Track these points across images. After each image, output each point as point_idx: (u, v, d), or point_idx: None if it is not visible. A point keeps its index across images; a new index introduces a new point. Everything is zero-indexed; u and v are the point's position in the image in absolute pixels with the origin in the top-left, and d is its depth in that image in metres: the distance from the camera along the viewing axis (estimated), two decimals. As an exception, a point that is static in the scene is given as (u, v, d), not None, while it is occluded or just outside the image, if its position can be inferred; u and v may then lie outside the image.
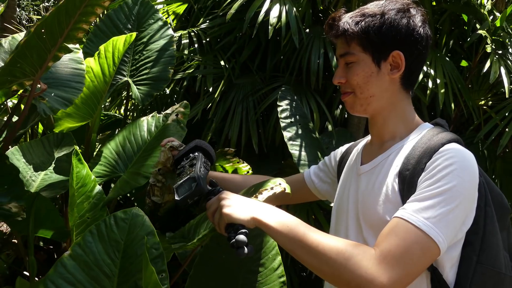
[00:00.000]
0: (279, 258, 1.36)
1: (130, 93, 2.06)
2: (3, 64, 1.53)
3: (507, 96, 2.19)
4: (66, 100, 1.54)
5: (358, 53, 1.06)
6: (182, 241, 1.42)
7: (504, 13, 2.28)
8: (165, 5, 2.67)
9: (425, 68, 2.23)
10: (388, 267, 0.85)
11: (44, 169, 1.81)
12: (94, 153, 1.90)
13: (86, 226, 1.47)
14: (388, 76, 1.06)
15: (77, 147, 1.51)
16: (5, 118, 2.11)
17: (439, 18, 2.45)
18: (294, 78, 2.29)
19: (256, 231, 0.95)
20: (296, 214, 1.92)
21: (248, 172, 1.81)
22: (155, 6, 2.18)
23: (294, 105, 2.08)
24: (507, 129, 2.26)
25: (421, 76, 2.17)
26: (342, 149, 1.31)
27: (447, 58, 2.39)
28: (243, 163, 1.81)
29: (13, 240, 2.23)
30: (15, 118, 2.15)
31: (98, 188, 1.51)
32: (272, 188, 1.04)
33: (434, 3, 2.48)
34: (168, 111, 1.84)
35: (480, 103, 2.50)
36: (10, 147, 1.76)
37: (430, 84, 2.22)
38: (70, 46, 1.34)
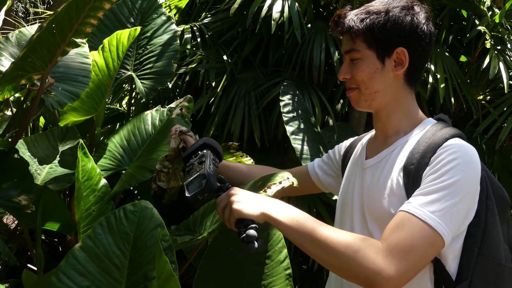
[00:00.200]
0: (285, 251, 1.38)
1: (134, 87, 2.07)
2: (9, 58, 1.55)
3: (506, 91, 2.22)
4: (73, 94, 1.55)
5: (363, 49, 1.08)
6: (188, 233, 1.45)
7: (503, 9, 2.30)
8: (167, -1, 2.68)
9: (425, 64, 2.25)
10: (395, 260, 0.87)
11: (49, 162, 1.83)
12: (98, 147, 1.92)
13: (92, 219, 1.49)
14: (392, 72, 1.08)
15: (81, 141, 1.53)
16: (8, 112, 2.12)
17: (438, 14, 2.47)
18: (296, 73, 2.31)
19: (263, 224, 0.98)
20: (298, 208, 1.94)
21: (251, 166, 1.83)
22: (158, 1, 2.19)
23: (296, 99, 2.10)
24: (505, 124, 2.30)
25: (421, 71, 2.19)
26: (346, 143, 1.33)
27: (447, 54, 2.42)
28: (246, 156, 1.83)
29: (17, 233, 2.25)
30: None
31: (103, 181, 1.52)
32: (280, 183, 1.06)
33: (434, -1, 2.50)
34: (172, 105, 1.85)
35: (478, 98, 2.53)
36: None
37: (430, 79, 2.24)
38: (77, 40, 1.36)
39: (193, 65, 2.30)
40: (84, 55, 1.66)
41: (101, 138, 2.10)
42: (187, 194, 1.04)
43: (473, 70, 2.52)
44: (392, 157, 1.07)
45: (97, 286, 1.10)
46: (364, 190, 1.10)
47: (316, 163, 1.38)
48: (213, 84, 2.28)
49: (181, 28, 2.40)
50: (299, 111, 2.06)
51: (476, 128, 2.42)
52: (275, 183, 1.06)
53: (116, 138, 1.86)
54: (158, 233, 1.12)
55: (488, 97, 2.54)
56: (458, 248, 0.99)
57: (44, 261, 1.61)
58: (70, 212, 1.70)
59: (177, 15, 2.67)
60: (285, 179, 1.07)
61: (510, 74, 2.30)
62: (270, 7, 2.14)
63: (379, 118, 1.14)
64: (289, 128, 1.97)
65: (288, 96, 2.08)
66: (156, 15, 2.14)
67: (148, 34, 2.11)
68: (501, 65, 2.24)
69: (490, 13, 2.37)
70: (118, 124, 2.61)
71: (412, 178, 0.99)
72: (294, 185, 1.08)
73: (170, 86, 2.53)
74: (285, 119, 2.00)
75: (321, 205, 2.09)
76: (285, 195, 1.57)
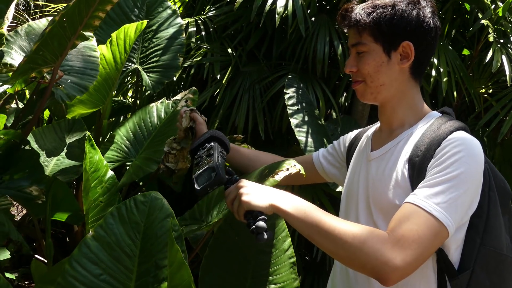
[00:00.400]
0: (289, 240, 1.41)
1: (140, 80, 2.09)
2: (19, 51, 1.57)
3: (508, 84, 2.23)
4: (82, 87, 1.57)
5: (369, 43, 1.10)
6: (194, 223, 1.48)
7: (506, 2, 2.31)
8: (171, -8, 2.68)
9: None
10: (401, 251, 0.90)
11: (56, 154, 1.85)
12: (105, 139, 1.94)
13: (99, 210, 1.52)
14: (398, 66, 1.10)
15: (89, 133, 1.55)
16: (13, 105, 2.14)
17: (442, 7, 2.48)
18: (300, 66, 2.32)
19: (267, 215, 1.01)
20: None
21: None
22: (163, -6, 2.20)
23: (300, 92, 2.12)
24: (507, 117, 2.31)
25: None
26: (351, 135, 1.35)
27: (449, 47, 2.43)
28: (251, 149, 1.85)
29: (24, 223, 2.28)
30: (21, 106, 2.18)
31: (110, 173, 1.55)
32: (287, 169, 1.09)
33: (437, -8, 2.51)
34: (177, 97, 1.88)
35: (481, 91, 2.55)
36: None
37: (433, 72, 2.26)
38: (86, 34, 1.38)
39: (198, 58, 2.31)
40: (92, 48, 1.68)
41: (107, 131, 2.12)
42: (196, 187, 1.05)
43: (476, 64, 2.54)
44: (397, 149, 1.09)
45: (109, 274, 1.13)
46: (370, 181, 1.12)
47: (320, 153, 1.41)
48: (218, 77, 2.30)
49: (186, 21, 2.41)
50: (303, 103, 2.08)
51: (478, 121, 2.43)
52: (282, 170, 1.09)
53: (122, 131, 1.88)
54: (169, 223, 1.14)
55: (491, 90, 2.55)
56: (460, 238, 1.01)
57: (53, 252, 1.64)
58: (79, 203, 1.73)
59: (181, 8, 2.68)
60: (292, 166, 1.10)
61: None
62: (274, 1, 2.15)
63: (384, 111, 1.16)
64: (293, 121, 1.99)
65: (293, 89, 2.10)
66: (161, 9, 2.15)
67: (154, 27, 2.12)
68: (504, 58, 2.25)
69: (493, 6, 2.37)
70: (122, 116, 2.63)
71: (417, 170, 1.01)
72: (301, 172, 1.11)
73: (175, 79, 2.55)
74: (289, 111, 2.02)
75: (324, 196, 2.12)
76: (289, 184, 1.59)
